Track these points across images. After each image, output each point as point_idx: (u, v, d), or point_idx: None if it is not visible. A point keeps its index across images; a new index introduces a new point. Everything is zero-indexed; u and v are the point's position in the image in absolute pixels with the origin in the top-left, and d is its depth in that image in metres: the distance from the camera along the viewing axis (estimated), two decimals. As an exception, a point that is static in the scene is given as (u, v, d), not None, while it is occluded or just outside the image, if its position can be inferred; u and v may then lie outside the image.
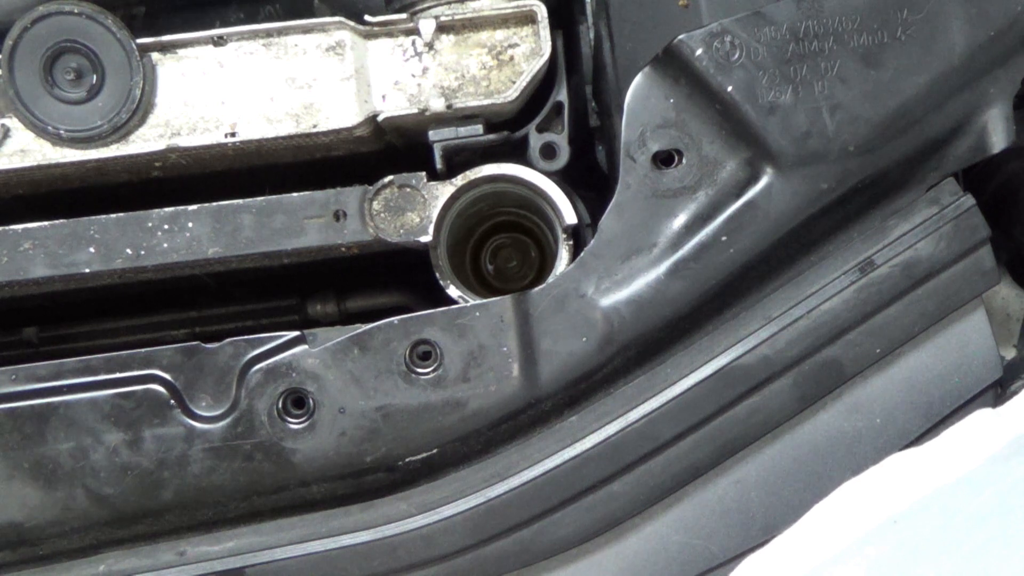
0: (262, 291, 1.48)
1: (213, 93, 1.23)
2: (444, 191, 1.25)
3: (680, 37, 1.15)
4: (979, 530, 0.91)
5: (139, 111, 1.21)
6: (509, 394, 1.18)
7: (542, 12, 1.24)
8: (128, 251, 1.22)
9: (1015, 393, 1.24)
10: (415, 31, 1.24)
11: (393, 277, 1.48)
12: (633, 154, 1.18)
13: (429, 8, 1.25)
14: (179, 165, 1.27)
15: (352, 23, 1.24)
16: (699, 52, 1.15)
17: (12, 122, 1.22)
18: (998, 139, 1.20)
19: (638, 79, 1.18)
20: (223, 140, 1.23)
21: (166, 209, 1.23)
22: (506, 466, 1.19)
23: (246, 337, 1.19)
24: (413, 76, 1.25)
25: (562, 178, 1.31)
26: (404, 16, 1.24)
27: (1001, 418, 1.00)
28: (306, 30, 1.23)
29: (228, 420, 1.18)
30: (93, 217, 1.22)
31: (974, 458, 0.98)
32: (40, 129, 1.21)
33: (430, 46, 1.25)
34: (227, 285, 1.41)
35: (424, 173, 1.25)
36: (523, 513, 1.18)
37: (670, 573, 1.20)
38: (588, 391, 1.20)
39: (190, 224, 1.22)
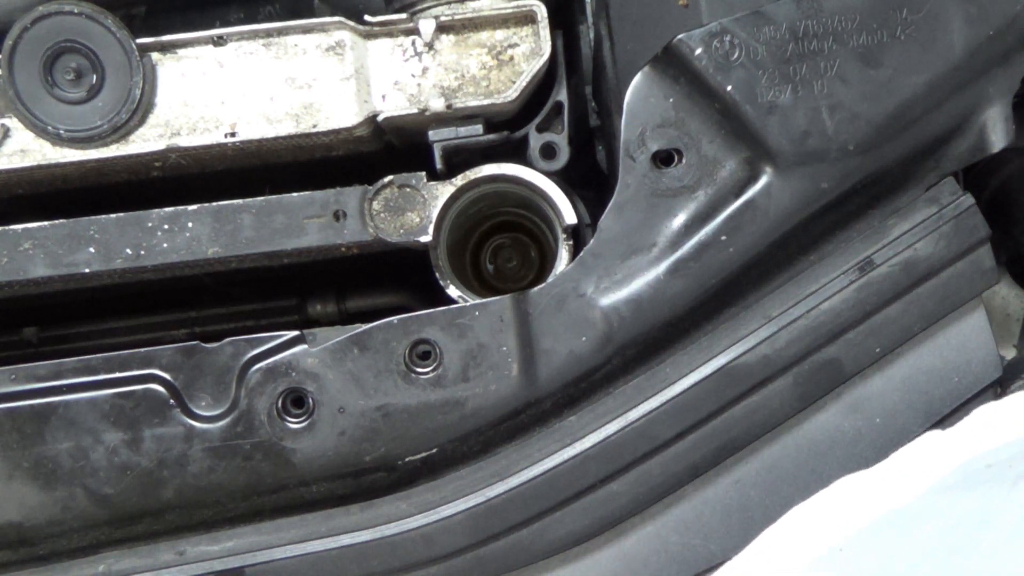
0: (262, 291, 1.48)
1: (213, 93, 1.23)
2: (444, 191, 1.25)
3: (680, 37, 1.15)
4: (923, 564, 0.90)
5: (139, 111, 1.21)
6: (508, 394, 1.18)
7: (542, 12, 1.24)
8: (128, 251, 1.22)
9: (1015, 393, 1.24)
10: (415, 31, 1.24)
11: (393, 277, 1.48)
12: (633, 154, 1.18)
13: (429, 8, 1.25)
14: (179, 165, 1.27)
15: (352, 23, 1.24)
16: (699, 51, 1.15)
17: (12, 122, 1.22)
18: (997, 138, 1.20)
19: (638, 79, 1.18)
20: (223, 140, 1.23)
21: (166, 209, 1.23)
22: (505, 466, 1.19)
23: (246, 337, 1.19)
24: (413, 76, 1.25)
25: (562, 178, 1.31)
26: (404, 16, 1.24)
27: (950, 442, 0.99)
28: (306, 30, 1.23)
29: (228, 420, 1.18)
30: (93, 217, 1.22)
31: (922, 484, 0.96)
32: (40, 129, 1.21)
33: (430, 46, 1.25)
34: (227, 285, 1.41)
35: (424, 173, 1.25)
36: (523, 513, 1.18)
37: (670, 573, 1.20)
38: (587, 391, 1.20)
39: (190, 224, 1.22)
